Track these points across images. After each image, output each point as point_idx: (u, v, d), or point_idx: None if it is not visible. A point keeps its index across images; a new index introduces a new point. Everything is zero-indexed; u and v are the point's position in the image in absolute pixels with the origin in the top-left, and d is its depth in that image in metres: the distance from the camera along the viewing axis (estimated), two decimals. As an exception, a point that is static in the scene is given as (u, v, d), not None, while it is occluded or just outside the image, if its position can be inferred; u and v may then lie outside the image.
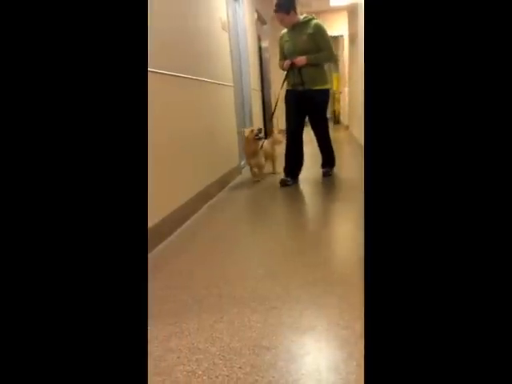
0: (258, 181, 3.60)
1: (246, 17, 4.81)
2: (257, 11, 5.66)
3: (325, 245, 1.97)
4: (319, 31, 3.12)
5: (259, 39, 5.77)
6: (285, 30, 3.31)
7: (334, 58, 3.27)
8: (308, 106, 3.25)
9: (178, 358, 1.12)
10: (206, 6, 3.21)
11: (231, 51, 3.96)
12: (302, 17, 3.18)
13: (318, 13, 7.58)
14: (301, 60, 3.13)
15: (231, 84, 3.91)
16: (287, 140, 3.35)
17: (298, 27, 3.17)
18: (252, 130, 3.51)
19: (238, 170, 3.96)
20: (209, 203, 2.91)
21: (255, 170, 3.64)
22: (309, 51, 3.13)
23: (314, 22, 3.15)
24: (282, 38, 3.33)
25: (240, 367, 1.06)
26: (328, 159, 3.52)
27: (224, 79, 3.63)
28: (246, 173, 3.97)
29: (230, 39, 3.93)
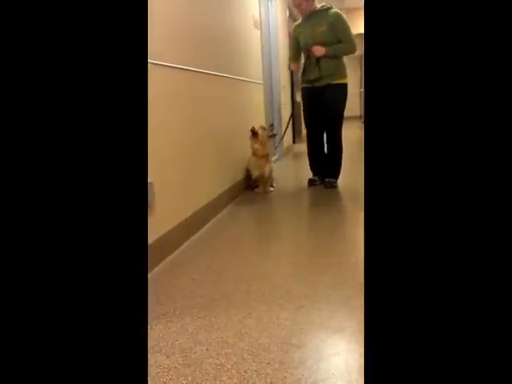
0: (271, 190, 3.07)
1: (278, 14, 4.80)
2: (289, 8, 5.63)
3: (356, 246, 1.94)
4: (340, 21, 2.86)
5: (290, 36, 5.74)
6: (299, 21, 3.09)
7: (354, 51, 2.93)
8: (324, 104, 2.98)
9: (207, 350, 1.14)
10: (239, 3, 3.22)
11: (262, 48, 3.97)
12: (319, 5, 2.94)
13: (351, 10, 7.47)
14: (319, 50, 2.85)
15: (261, 82, 3.91)
16: (307, 141, 3.23)
17: (314, 16, 2.92)
18: (264, 128, 2.95)
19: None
20: (232, 203, 2.93)
21: (270, 182, 3.03)
22: (328, 43, 2.86)
23: (333, 10, 2.90)
24: (296, 29, 3.08)
25: (268, 363, 1.06)
26: (335, 169, 3.13)
27: (254, 77, 3.63)
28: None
29: (261, 36, 3.94)
